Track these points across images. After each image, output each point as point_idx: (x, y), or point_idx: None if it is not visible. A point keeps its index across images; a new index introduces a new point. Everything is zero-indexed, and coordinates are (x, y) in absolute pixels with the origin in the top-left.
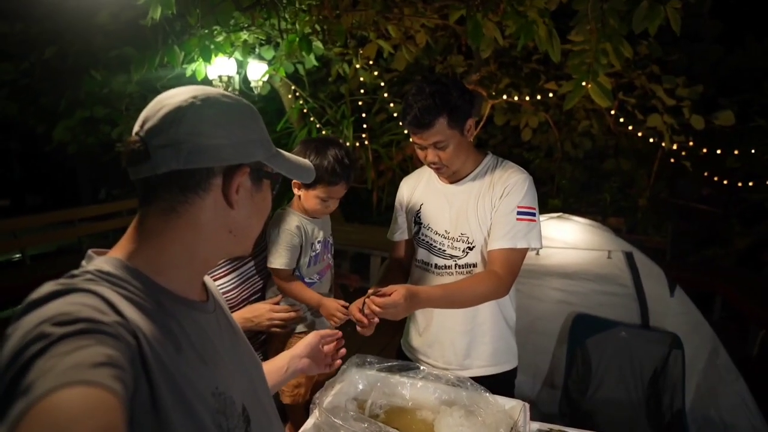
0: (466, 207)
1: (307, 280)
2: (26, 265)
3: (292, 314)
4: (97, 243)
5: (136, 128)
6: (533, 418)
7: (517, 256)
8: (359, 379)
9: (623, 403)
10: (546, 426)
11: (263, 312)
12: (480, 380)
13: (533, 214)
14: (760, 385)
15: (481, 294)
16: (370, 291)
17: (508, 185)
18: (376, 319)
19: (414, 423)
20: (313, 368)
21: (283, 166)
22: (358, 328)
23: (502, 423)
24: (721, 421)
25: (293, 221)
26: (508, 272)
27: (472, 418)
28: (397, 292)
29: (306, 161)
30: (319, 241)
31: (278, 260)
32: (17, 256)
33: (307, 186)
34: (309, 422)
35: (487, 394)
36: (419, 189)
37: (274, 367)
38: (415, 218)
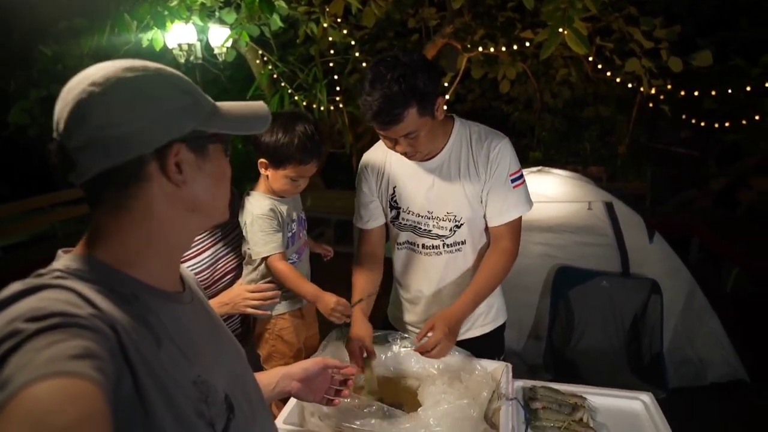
0: (449, 184)
1: (289, 260)
2: None
3: (269, 293)
4: (73, 228)
5: (53, 132)
6: (519, 373)
7: (519, 222)
8: (342, 353)
9: (605, 350)
10: (529, 383)
11: (239, 293)
12: (474, 341)
13: (522, 176)
14: (734, 321)
15: (502, 276)
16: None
17: (492, 155)
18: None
19: (399, 392)
20: (305, 395)
21: (226, 125)
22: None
23: (485, 386)
24: (698, 358)
25: (265, 204)
26: (516, 242)
27: (455, 384)
28: (435, 330)
29: (257, 104)
30: (293, 220)
31: (266, 248)
32: None
33: (276, 166)
34: (291, 402)
35: (470, 359)
36: (389, 169)
37: (262, 382)
38: (391, 203)
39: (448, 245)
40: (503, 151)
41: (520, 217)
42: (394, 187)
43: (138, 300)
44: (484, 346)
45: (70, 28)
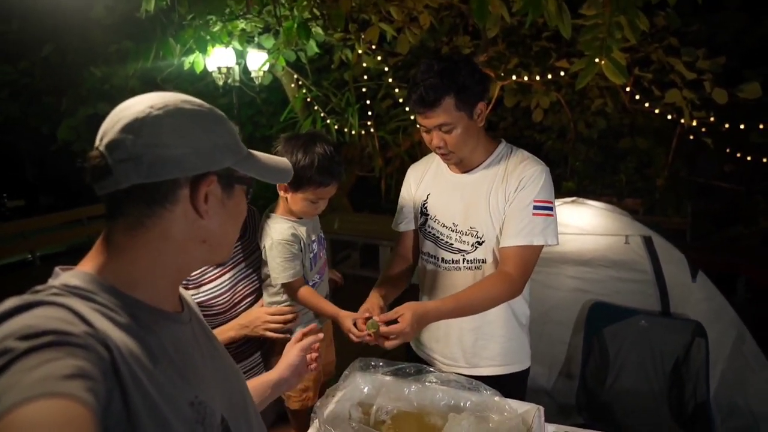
0: (477, 199)
1: (310, 283)
2: (36, 265)
3: (288, 316)
4: None
5: (96, 142)
6: (549, 413)
7: (532, 253)
8: (363, 384)
9: (643, 393)
10: (562, 428)
11: (258, 315)
12: (489, 380)
13: (550, 209)
14: None
15: (493, 298)
16: (376, 318)
17: (523, 178)
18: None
19: (422, 429)
20: (294, 382)
21: (256, 170)
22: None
23: (516, 429)
24: (749, 410)
25: (286, 229)
26: (521, 272)
27: (482, 426)
28: (403, 318)
29: (282, 160)
30: (313, 241)
31: (284, 274)
32: (28, 256)
33: (295, 188)
34: None
35: (499, 398)
36: (427, 178)
37: (257, 391)
38: (422, 209)
39: (468, 261)
40: (536, 176)
41: (533, 249)
42: (428, 194)
43: (136, 319)
44: (500, 390)
45: (118, 51)
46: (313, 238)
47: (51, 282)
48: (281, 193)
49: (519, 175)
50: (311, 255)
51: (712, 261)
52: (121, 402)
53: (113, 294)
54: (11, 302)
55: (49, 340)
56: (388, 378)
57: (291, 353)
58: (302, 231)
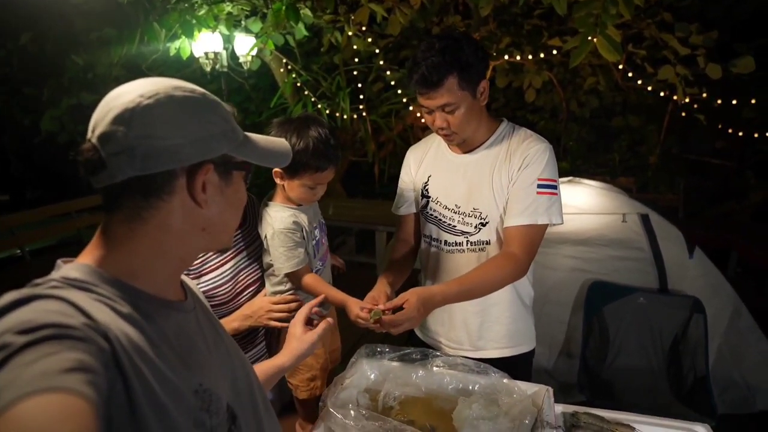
0: (480, 179)
1: (313, 270)
2: (26, 261)
3: (292, 305)
4: None
5: (88, 134)
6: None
7: (537, 232)
8: (370, 370)
9: (643, 370)
10: (570, 408)
11: (262, 305)
12: (494, 362)
13: (554, 187)
14: None
15: (499, 280)
16: (381, 307)
17: (527, 156)
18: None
19: (431, 413)
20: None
21: (254, 155)
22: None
23: (527, 412)
24: (745, 382)
25: (288, 218)
26: (526, 251)
27: (492, 409)
28: (409, 302)
29: (281, 141)
30: (315, 227)
31: (288, 263)
32: (17, 252)
33: (291, 175)
34: (319, 425)
35: (508, 381)
36: (427, 159)
37: (266, 376)
38: (423, 191)
39: (471, 243)
40: (540, 154)
41: (538, 228)
42: (429, 176)
43: (138, 309)
44: (506, 371)
45: (100, 38)
46: (314, 225)
47: (51, 275)
48: (278, 181)
49: (522, 154)
50: (314, 242)
51: (705, 237)
52: (124, 393)
53: (114, 285)
54: (10, 296)
55: (48, 334)
56: (394, 364)
57: (293, 330)
58: (303, 219)
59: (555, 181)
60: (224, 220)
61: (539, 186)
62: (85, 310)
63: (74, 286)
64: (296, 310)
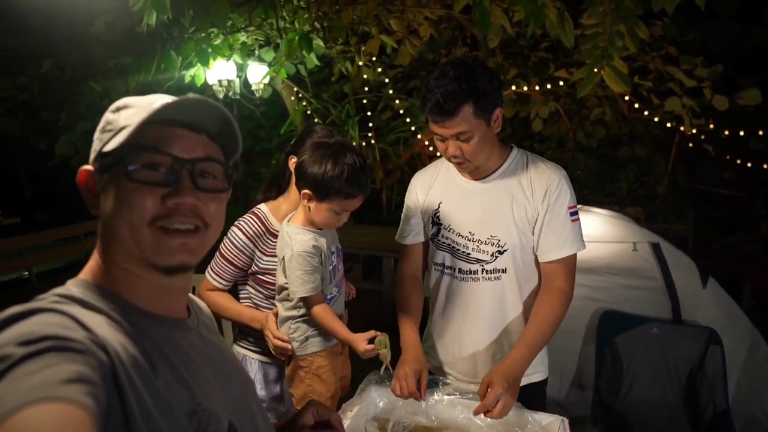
0: (497, 207)
1: (329, 296)
2: (32, 282)
3: (282, 348)
4: None
5: None
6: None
7: (575, 261)
8: (379, 398)
9: (659, 402)
10: None
11: (265, 330)
12: None
13: (578, 213)
14: None
15: (559, 322)
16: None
17: (550, 186)
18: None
19: None
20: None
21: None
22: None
23: None
24: (766, 417)
25: (308, 241)
26: (571, 282)
27: None
28: (494, 384)
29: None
30: (332, 252)
31: (303, 288)
32: (25, 274)
33: (321, 198)
34: None
35: (521, 410)
36: (436, 186)
37: None
38: (433, 218)
39: (487, 272)
40: (563, 183)
41: (575, 256)
42: (440, 203)
43: (136, 325)
44: (520, 402)
45: (117, 66)
46: (332, 250)
47: (55, 290)
48: (304, 202)
49: (543, 183)
50: (330, 267)
51: (716, 268)
52: (120, 408)
53: (112, 300)
54: (12, 310)
55: (48, 346)
56: None
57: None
58: (323, 243)
59: (576, 206)
60: (113, 226)
61: (571, 215)
62: (85, 323)
63: (74, 301)
64: (283, 353)
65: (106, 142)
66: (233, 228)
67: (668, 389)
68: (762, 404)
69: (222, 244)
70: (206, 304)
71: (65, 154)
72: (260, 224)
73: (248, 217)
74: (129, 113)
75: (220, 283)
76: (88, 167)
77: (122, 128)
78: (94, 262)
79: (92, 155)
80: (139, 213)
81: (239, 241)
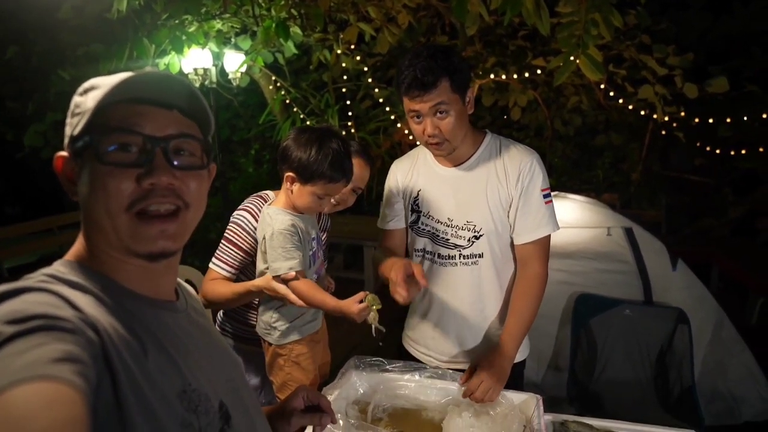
0: (473, 193)
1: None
2: (3, 277)
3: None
4: None
5: None
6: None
7: (549, 242)
8: (359, 382)
9: (631, 382)
10: (560, 417)
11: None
12: None
13: (551, 195)
14: (764, 353)
15: (537, 305)
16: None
17: (523, 169)
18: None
19: (420, 425)
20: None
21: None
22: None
23: (515, 419)
24: (730, 393)
25: (287, 221)
26: (545, 263)
27: (482, 417)
28: (479, 369)
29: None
30: (313, 239)
31: (287, 263)
32: None
33: (304, 181)
34: None
35: None
36: (415, 173)
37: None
38: (413, 205)
39: (464, 257)
40: (535, 166)
41: (549, 238)
42: (419, 191)
43: (124, 306)
44: None
45: (87, 54)
46: (312, 236)
47: (42, 270)
48: (287, 185)
49: (517, 167)
50: (310, 252)
51: (686, 252)
52: (111, 387)
53: (100, 281)
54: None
55: (37, 325)
56: (383, 375)
57: (297, 404)
58: (302, 225)
59: (549, 188)
60: (88, 208)
61: (544, 197)
62: (74, 302)
63: (63, 281)
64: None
65: (75, 126)
66: (238, 211)
67: (639, 368)
68: (725, 380)
69: (227, 230)
70: (209, 296)
71: (34, 145)
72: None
73: (254, 199)
74: (95, 94)
75: (227, 270)
76: (63, 153)
77: (89, 110)
78: (80, 245)
79: (65, 140)
80: (115, 197)
81: (245, 222)
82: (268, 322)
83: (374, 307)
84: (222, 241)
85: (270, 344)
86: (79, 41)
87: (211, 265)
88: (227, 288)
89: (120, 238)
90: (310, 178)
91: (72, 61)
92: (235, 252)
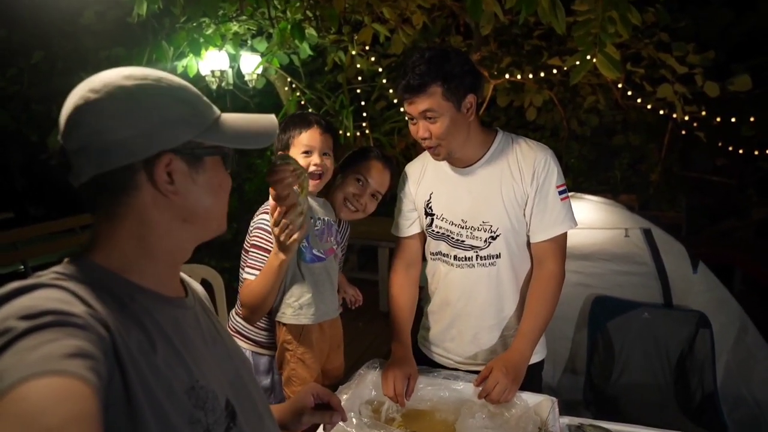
0: (487, 193)
1: (315, 251)
2: (28, 276)
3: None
4: None
5: (59, 135)
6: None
7: (566, 239)
8: (373, 383)
9: (650, 386)
10: (576, 420)
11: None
12: None
13: (567, 191)
14: None
15: (554, 305)
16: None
17: (537, 167)
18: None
19: (433, 425)
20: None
21: (227, 138)
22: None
23: (529, 421)
24: (754, 399)
25: None
26: (562, 262)
27: (496, 419)
28: (494, 370)
29: (265, 118)
30: (319, 219)
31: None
32: (20, 267)
33: (284, 148)
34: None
35: None
36: (426, 176)
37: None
38: (426, 209)
39: (481, 257)
40: (550, 162)
41: (566, 235)
42: (431, 194)
43: (134, 302)
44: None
45: (108, 57)
46: (318, 216)
47: (54, 268)
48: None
49: (531, 165)
50: (315, 229)
51: (708, 253)
52: (121, 383)
53: (111, 278)
54: (12, 285)
55: (50, 320)
56: None
57: (306, 401)
58: (308, 203)
59: (565, 184)
60: (204, 207)
61: (559, 193)
62: (86, 299)
63: (73, 279)
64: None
65: (202, 132)
66: (259, 215)
67: (659, 373)
68: (749, 386)
69: (253, 236)
70: (249, 302)
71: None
72: None
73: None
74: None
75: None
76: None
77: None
78: (92, 245)
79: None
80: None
81: (269, 225)
82: (283, 300)
83: (302, 174)
84: (249, 249)
85: (283, 325)
86: (100, 45)
87: (245, 275)
88: (254, 282)
89: (220, 225)
90: (287, 142)
91: (94, 65)
92: (266, 256)
